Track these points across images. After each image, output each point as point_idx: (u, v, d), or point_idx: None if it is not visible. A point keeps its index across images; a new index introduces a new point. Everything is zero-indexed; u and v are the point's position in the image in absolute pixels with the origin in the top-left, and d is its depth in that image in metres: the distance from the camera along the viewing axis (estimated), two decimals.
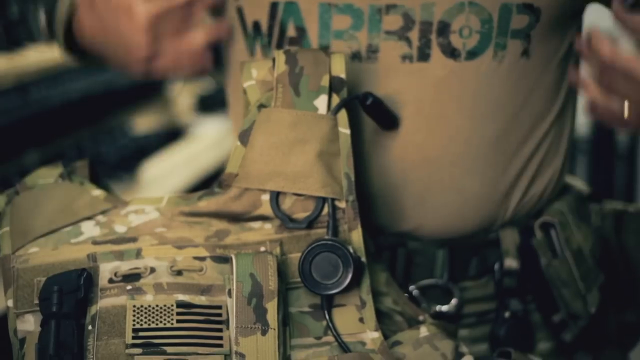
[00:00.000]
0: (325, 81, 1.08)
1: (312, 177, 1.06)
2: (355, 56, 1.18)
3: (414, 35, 1.16)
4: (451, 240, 1.22)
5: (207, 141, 3.72)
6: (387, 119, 1.16)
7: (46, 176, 1.15)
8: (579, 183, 1.37)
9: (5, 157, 2.66)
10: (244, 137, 1.08)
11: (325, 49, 1.11)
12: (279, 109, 1.08)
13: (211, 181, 1.31)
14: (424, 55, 1.16)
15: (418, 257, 1.22)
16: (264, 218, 1.08)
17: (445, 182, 1.19)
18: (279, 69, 1.09)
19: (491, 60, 1.17)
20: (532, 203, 1.25)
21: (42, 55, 2.69)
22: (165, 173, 3.24)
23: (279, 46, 1.22)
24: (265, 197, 1.08)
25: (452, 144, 1.18)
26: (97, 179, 1.22)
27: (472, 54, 1.16)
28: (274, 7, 1.22)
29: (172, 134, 3.70)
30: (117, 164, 3.08)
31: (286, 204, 1.08)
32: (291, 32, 1.21)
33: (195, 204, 1.09)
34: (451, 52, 1.16)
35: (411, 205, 1.20)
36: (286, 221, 1.07)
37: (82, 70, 2.99)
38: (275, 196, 1.08)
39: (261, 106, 1.09)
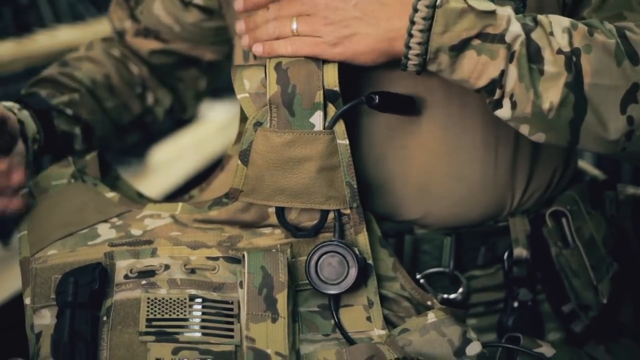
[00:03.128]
0: (319, 97, 1.08)
1: (314, 193, 1.08)
2: None
3: None
4: (459, 228, 1.23)
5: (216, 125, 3.71)
6: (404, 107, 1.16)
7: (59, 177, 1.17)
8: (593, 169, 1.37)
9: None
10: (244, 156, 1.09)
11: (317, 60, 1.10)
12: (275, 130, 1.08)
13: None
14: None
15: (425, 244, 1.23)
16: (273, 226, 1.11)
17: (445, 170, 1.20)
18: (271, 89, 1.09)
19: None
20: (541, 191, 1.25)
21: (52, 40, 2.69)
22: (174, 158, 3.24)
23: None
24: (272, 209, 1.10)
25: (447, 133, 1.19)
26: (107, 168, 1.24)
27: None
28: None
29: (180, 119, 3.69)
30: (125, 149, 3.08)
31: (292, 214, 1.10)
32: None
33: (206, 212, 1.11)
34: None
35: (415, 194, 1.20)
36: (294, 232, 1.10)
37: None
38: (281, 210, 1.10)
39: (257, 124, 1.09)
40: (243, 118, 1.21)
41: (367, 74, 1.17)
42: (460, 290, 1.24)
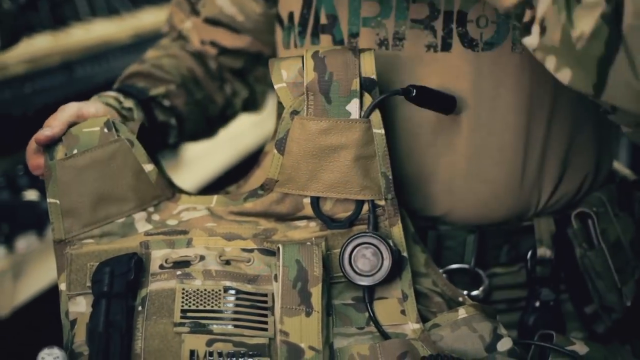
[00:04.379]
0: (355, 85, 1.09)
1: (349, 182, 1.09)
2: (382, 43, 1.19)
3: (439, 24, 1.17)
4: (482, 226, 1.23)
5: (250, 120, 3.72)
6: (442, 103, 1.16)
7: (90, 125, 1.13)
8: (624, 169, 1.36)
9: None
10: (280, 145, 1.10)
11: (354, 48, 1.11)
12: (311, 117, 1.09)
13: (253, 160, 1.33)
14: (446, 45, 1.17)
15: (448, 241, 1.23)
16: (308, 218, 1.11)
17: (470, 170, 1.20)
18: (308, 76, 1.10)
19: (510, 52, 1.16)
20: (570, 195, 1.25)
21: (87, 33, 2.72)
22: (207, 151, 3.25)
23: (314, 33, 1.23)
24: (307, 200, 1.11)
25: (474, 134, 1.19)
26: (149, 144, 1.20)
27: (490, 45, 1.17)
28: None
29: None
30: None
31: (327, 205, 1.11)
32: (323, 19, 1.22)
33: (242, 204, 1.13)
34: (469, 42, 1.17)
35: (440, 192, 1.21)
36: (328, 222, 1.10)
37: (126, 48, 3.01)
38: (316, 200, 1.11)
39: (294, 112, 1.10)
40: (279, 114, 1.21)
41: (398, 71, 1.17)
42: (482, 287, 1.24)
